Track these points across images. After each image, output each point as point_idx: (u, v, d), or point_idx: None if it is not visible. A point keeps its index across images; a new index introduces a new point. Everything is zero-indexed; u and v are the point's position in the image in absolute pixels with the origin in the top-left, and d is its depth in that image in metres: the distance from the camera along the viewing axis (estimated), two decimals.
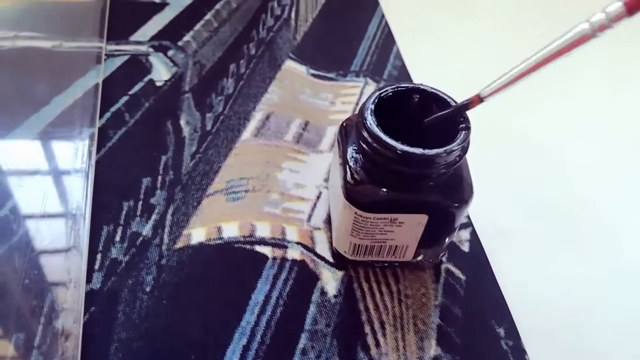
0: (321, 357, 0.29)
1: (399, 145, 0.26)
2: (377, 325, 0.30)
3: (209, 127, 0.40)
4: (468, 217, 0.36)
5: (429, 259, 0.32)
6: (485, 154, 0.34)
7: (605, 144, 0.41)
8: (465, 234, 0.35)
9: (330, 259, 0.33)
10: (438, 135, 0.27)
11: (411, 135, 0.27)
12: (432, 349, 0.29)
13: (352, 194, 0.28)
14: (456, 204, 0.29)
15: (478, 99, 0.27)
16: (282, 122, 0.41)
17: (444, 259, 0.34)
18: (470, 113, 0.27)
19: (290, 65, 0.46)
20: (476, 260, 0.34)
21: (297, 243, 0.33)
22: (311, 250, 0.33)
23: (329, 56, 0.48)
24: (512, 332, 0.30)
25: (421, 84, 0.30)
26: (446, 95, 0.29)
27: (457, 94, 0.28)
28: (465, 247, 0.34)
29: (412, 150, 0.26)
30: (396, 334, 0.30)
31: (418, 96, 0.30)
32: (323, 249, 0.33)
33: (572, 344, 0.30)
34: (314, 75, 0.45)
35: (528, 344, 0.30)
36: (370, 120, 0.27)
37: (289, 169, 0.37)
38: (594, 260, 0.33)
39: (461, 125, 0.28)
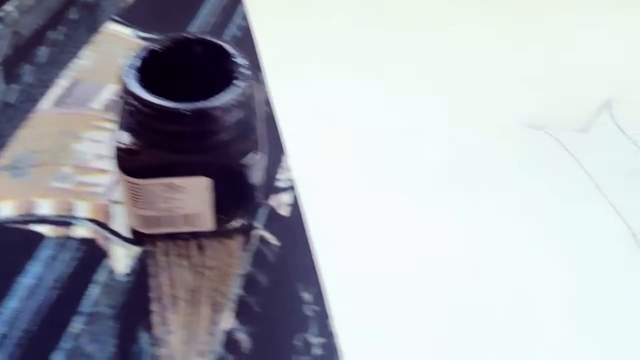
0: (96, 340, 0.26)
1: (156, 101, 0.23)
2: (168, 302, 0.27)
3: (12, 100, 0.36)
4: (291, 180, 0.34)
5: (239, 227, 0.30)
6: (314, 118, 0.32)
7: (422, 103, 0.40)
8: (286, 198, 0.33)
9: (128, 235, 0.30)
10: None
11: (199, 92, 0.24)
12: (227, 321, 0.27)
13: (121, 159, 0.25)
14: (240, 163, 0.27)
15: None
16: (92, 89, 0.37)
17: (258, 225, 0.32)
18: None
19: (114, 29, 0.42)
20: (294, 226, 0.31)
21: (89, 219, 0.30)
22: (105, 226, 0.30)
23: (166, 17, 0.44)
24: (319, 297, 0.28)
25: (192, 34, 0.27)
26: (228, 45, 0.26)
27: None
28: (285, 212, 0.32)
29: (167, 105, 0.23)
30: (189, 309, 0.28)
31: (200, 48, 0.27)
32: (122, 224, 0.30)
33: (379, 309, 0.28)
34: (142, 38, 0.42)
35: (336, 308, 0.27)
36: (129, 75, 0.24)
37: (90, 139, 0.34)
38: (410, 230, 0.32)
39: (235, 78, 0.25)
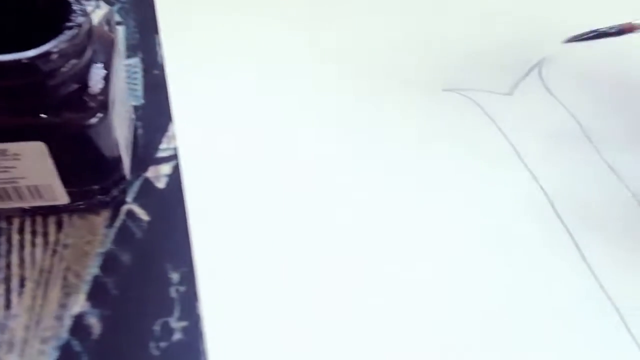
0: None
1: None
2: (14, 284, 0.24)
3: None
4: (175, 149, 0.31)
5: (107, 200, 0.27)
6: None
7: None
8: (165, 169, 0.30)
9: None
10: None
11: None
12: (79, 304, 0.24)
13: None
14: (83, 125, 0.24)
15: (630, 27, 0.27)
16: None
17: (129, 199, 0.29)
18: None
19: None
20: (170, 199, 0.28)
21: None
22: None
23: None
24: (188, 277, 0.25)
25: None
26: None
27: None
28: (162, 184, 0.29)
29: None
30: (37, 292, 0.25)
31: None
32: None
33: (252, 294, 0.25)
34: None
35: (205, 289, 0.24)
36: None
37: None
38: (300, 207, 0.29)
39: (68, 24, 0.22)
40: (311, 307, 0.25)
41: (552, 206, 0.30)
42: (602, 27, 0.32)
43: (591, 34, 0.31)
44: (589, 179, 0.31)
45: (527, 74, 0.37)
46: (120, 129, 0.26)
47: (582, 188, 0.31)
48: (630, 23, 0.28)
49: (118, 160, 0.26)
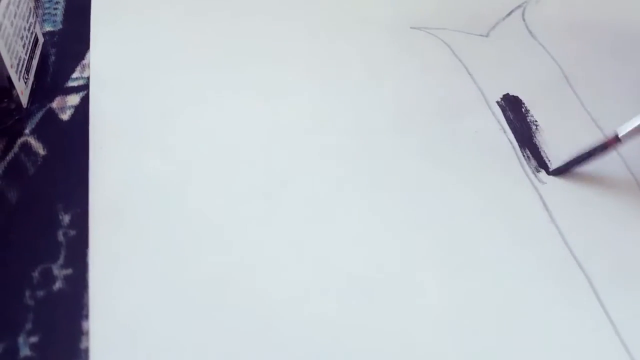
0: None
1: None
2: None
3: None
4: (88, 78, 0.28)
5: None
6: None
7: None
8: (73, 99, 0.26)
9: None
10: None
11: None
12: None
13: None
14: None
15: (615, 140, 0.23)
16: None
17: (27, 130, 0.26)
18: None
19: None
20: (72, 133, 0.24)
21: None
22: None
23: None
24: (80, 219, 0.22)
25: None
26: None
27: None
28: (66, 116, 0.26)
29: None
30: None
31: None
32: None
33: (146, 244, 0.22)
34: None
35: (97, 234, 0.21)
36: None
37: None
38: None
39: None
40: (205, 268, 0.21)
41: (518, 160, 0.26)
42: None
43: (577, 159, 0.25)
44: (569, 132, 0.27)
45: (508, 15, 0.33)
46: (10, 52, 0.23)
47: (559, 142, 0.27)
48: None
49: (7, 85, 0.23)
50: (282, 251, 0.22)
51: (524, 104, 0.28)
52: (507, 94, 0.29)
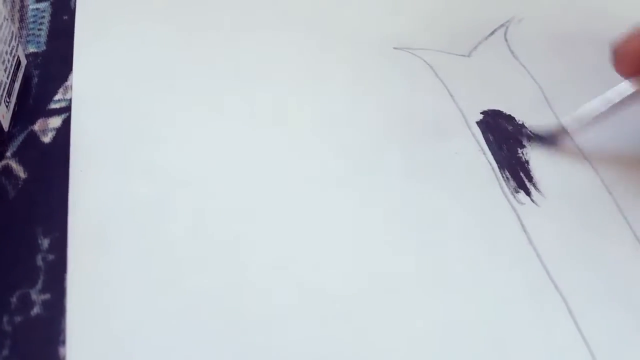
0: None
1: None
2: None
3: None
4: (70, 100, 0.28)
5: None
6: None
7: None
8: (55, 122, 0.26)
9: None
10: None
11: None
12: None
13: None
14: None
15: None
16: None
17: (8, 153, 0.26)
18: None
19: None
20: (53, 155, 0.25)
21: None
22: None
23: None
24: (60, 243, 0.22)
25: None
26: None
27: None
28: (47, 138, 0.26)
29: None
30: None
31: None
32: None
33: (134, 266, 0.22)
34: None
35: (75, 260, 0.21)
36: None
37: None
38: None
39: None
40: (187, 295, 0.21)
41: (498, 182, 0.27)
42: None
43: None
44: (549, 153, 0.28)
45: (490, 34, 0.34)
46: None
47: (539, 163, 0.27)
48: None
49: None
50: (267, 275, 0.22)
51: (504, 124, 0.29)
52: (487, 114, 0.29)
